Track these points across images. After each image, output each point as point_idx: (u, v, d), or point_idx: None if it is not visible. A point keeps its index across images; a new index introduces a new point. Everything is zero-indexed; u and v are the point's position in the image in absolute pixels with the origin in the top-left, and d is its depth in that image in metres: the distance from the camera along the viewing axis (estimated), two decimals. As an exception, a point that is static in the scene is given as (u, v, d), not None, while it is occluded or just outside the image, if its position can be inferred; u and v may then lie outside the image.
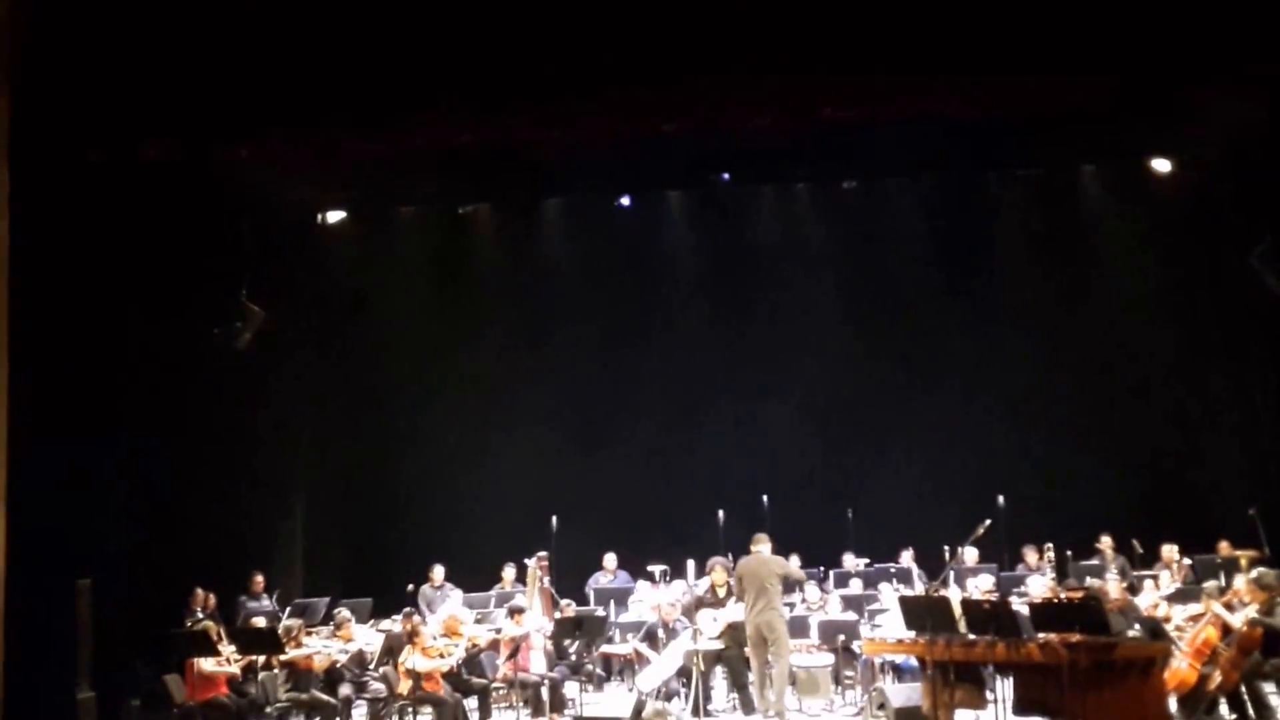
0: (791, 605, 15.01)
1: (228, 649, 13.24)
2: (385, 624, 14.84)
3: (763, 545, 13.32)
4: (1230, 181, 16.42)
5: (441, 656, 13.14)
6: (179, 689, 13.21)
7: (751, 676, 13.12)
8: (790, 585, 13.53)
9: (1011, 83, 14.12)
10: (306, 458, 18.56)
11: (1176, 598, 13.44)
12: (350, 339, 19.23)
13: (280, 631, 13.50)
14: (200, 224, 15.72)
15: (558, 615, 14.92)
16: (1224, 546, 15.11)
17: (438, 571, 16.57)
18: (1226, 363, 17.47)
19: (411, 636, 13.09)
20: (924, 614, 11.66)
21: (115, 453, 14.58)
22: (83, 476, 13.84)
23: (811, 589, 15.19)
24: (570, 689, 13.91)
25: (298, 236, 18.17)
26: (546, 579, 15.47)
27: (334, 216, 18.53)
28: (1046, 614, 11.47)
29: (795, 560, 16.52)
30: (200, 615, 15.08)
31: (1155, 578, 14.37)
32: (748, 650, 13.10)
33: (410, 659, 12.87)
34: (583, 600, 16.04)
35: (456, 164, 16.21)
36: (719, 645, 13.37)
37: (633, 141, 15.57)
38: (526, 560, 15.70)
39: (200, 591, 15.47)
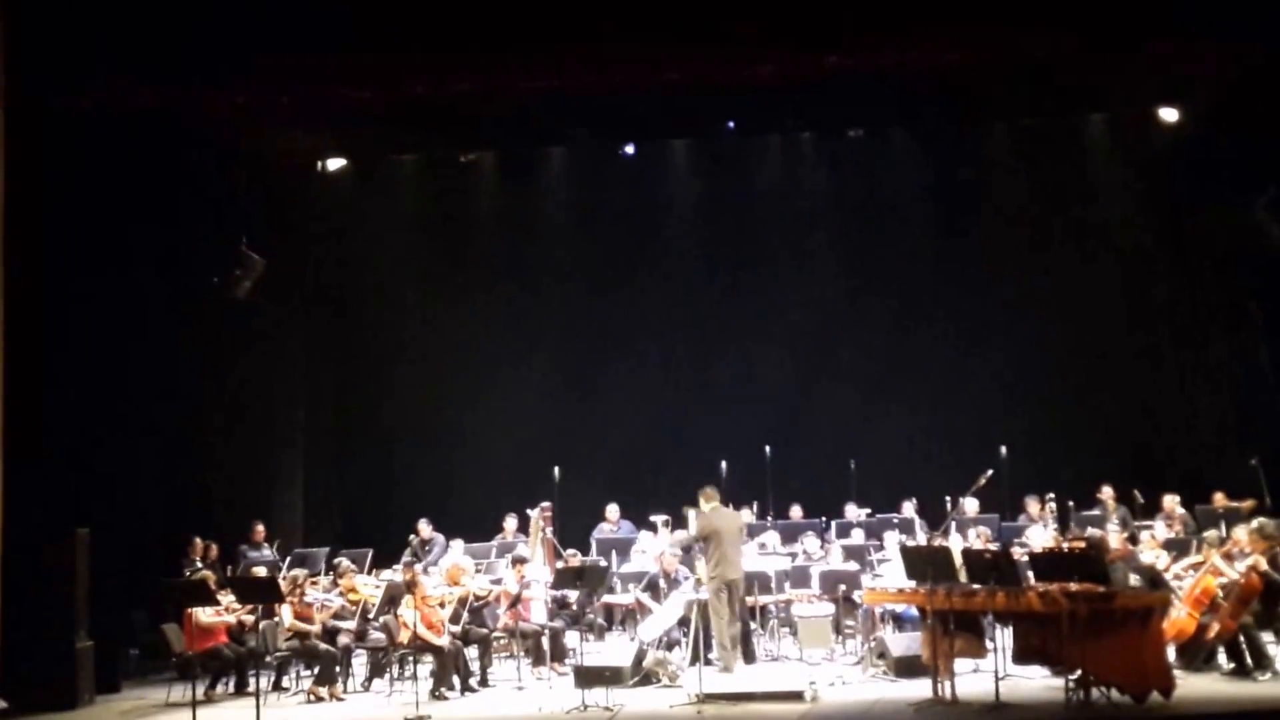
0: (793, 555, 15.03)
1: (227, 598, 13.24)
2: (386, 573, 14.82)
3: (716, 500, 13.40)
4: (1234, 132, 16.25)
5: (442, 605, 13.12)
6: (177, 638, 13.24)
7: (716, 626, 13.01)
8: None
9: (1016, 31, 14.03)
10: (306, 407, 18.53)
11: (1170, 548, 13.41)
12: (350, 287, 19.17)
13: (285, 582, 13.48)
14: (200, 172, 15.64)
15: (560, 565, 14.90)
16: (1219, 497, 15.08)
17: (424, 526, 16.53)
18: (1228, 313, 17.37)
19: (410, 587, 13.06)
20: (925, 563, 11.65)
21: (114, 402, 14.56)
22: (81, 426, 13.86)
23: (812, 539, 15.18)
24: (571, 638, 13.93)
25: (297, 184, 18.04)
26: (549, 529, 15.45)
27: (334, 164, 18.41)
28: (1046, 564, 11.45)
29: (797, 511, 16.61)
30: (199, 565, 15.09)
31: (1150, 528, 14.33)
32: (714, 600, 12.95)
33: (407, 613, 12.85)
34: (587, 550, 16.01)
35: (458, 111, 16.08)
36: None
37: (637, 90, 15.44)
38: (528, 510, 15.68)
39: (199, 541, 15.46)
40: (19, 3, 13.24)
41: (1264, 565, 11.72)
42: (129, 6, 13.47)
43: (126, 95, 14.13)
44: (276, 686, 13.49)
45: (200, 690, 12.70)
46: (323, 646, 13.15)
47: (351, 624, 13.44)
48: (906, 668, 12.38)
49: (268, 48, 13.74)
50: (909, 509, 16.15)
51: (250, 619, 13.11)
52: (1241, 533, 12.29)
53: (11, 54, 13.23)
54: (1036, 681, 11.82)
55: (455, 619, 13.16)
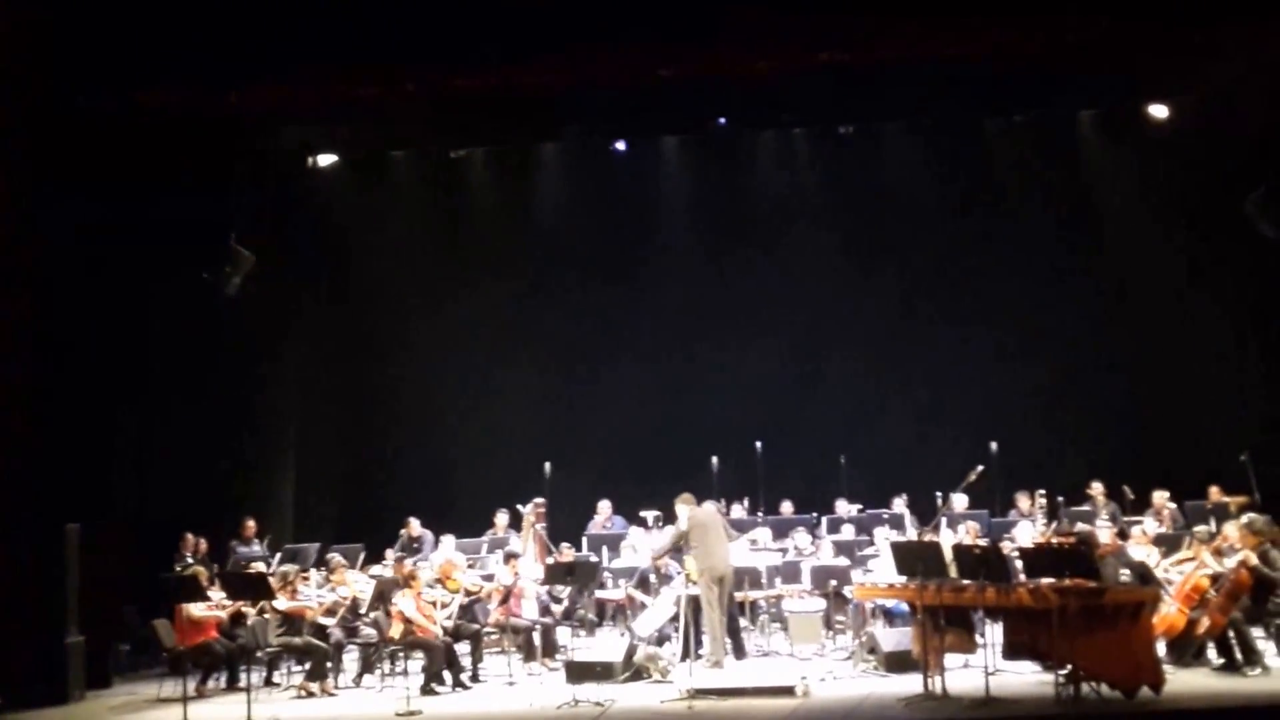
0: (784, 551, 15.05)
1: (218, 594, 13.24)
2: (376, 569, 14.82)
3: (694, 502, 13.58)
4: (1226, 128, 16.28)
5: (444, 606, 13.13)
6: (168, 634, 13.23)
7: (709, 619, 13.07)
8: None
9: (1011, 25, 14.04)
10: (298, 402, 18.51)
11: (1160, 543, 13.45)
12: (342, 283, 19.14)
13: (276, 577, 13.48)
14: (191, 167, 15.62)
15: (550, 561, 14.90)
16: (1215, 491, 15.13)
17: (414, 523, 16.47)
18: (1220, 309, 17.40)
19: (409, 581, 13.08)
20: (915, 559, 11.67)
21: (105, 397, 14.54)
22: (72, 421, 13.84)
23: (803, 535, 15.22)
24: (562, 634, 13.92)
25: (289, 180, 18.01)
26: (540, 525, 15.45)
27: (325, 160, 18.39)
28: (1037, 559, 11.47)
29: (788, 506, 16.62)
30: (190, 560, 15.05)
31: (1140, 523, 14.35)
32: (707, 594, 13.03)
33: (403, 601, 12.86)
34: (579, 546, 16.01)
35: (450, 108, 16.07)
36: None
37: (630, 86, 15.44)
38: (519, 506, 15.69)
39: (190, 536, 15.41)
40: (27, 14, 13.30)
41: (1254, 560, 11.75)
42: (130, 13, 13.47)
43: (131, 97, 14.14)
44: (268, 682, 13.54)
45: (191, 686, 12.67)
46: (314, 642, 13.16)
47: (333, 621, 13.47)
48: (897, 663, 12.40)
49: (268, 50, 13.74)
50: (900, 504, 16.17)
51: (252, 611, 13.14)
52: (1231, 528, 12.32)
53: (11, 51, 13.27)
54: (1026, 677, 11.86)
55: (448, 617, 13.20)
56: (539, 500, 15.64)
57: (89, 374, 14.19)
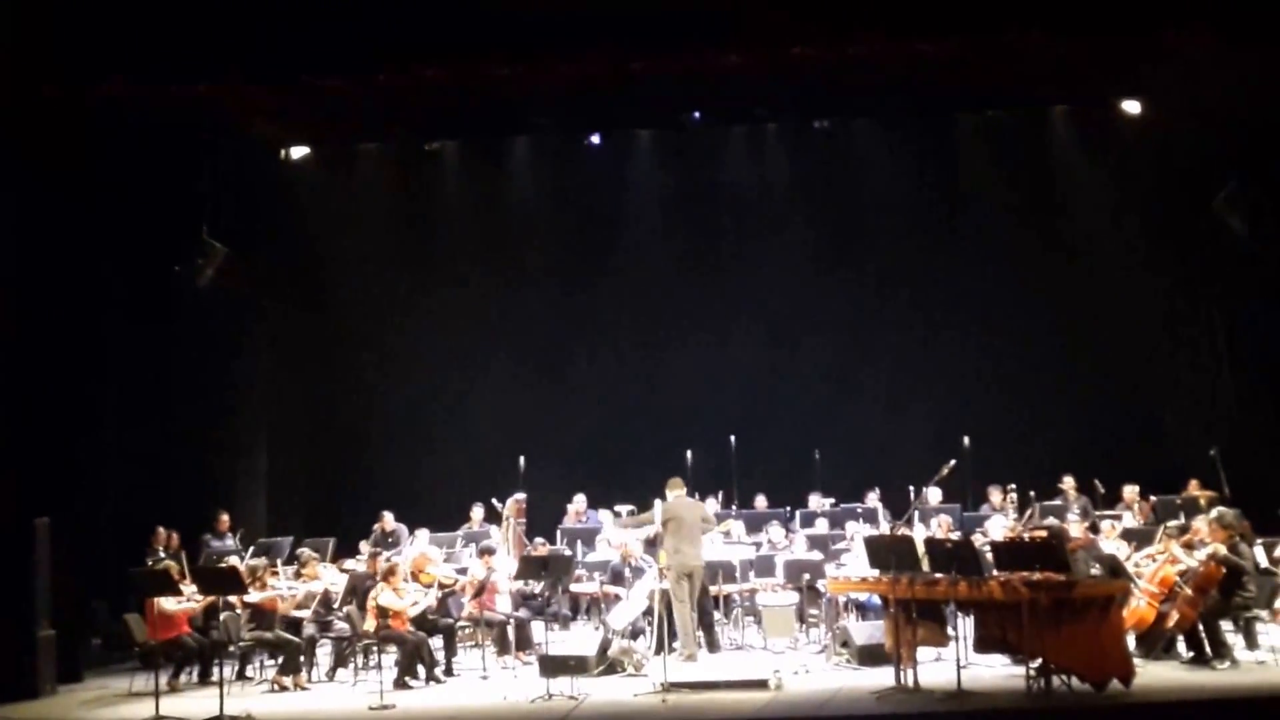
0: (758, 545, 15.08)
1: (189, 589, 13.19)
2: (349, 563, 14.79)
3: (681, 489, 13.66)
4: (1197, 125, 16.35)
5: (415, 605, 13.12)
6: (140, 628, 13.17)
7: (678, 614, 13.09)
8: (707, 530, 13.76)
9: (983, 27, 14.09)
10: (270, 395, 18.43)
11: (1133, 537, 13.52)
12: (314, 276, 19.04)
13: (245, 571, 13.42)
14: (161, 160, 15.53)
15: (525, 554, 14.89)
16: (1193, 485, 15.23)
17: (387, 517, 16.41)
18: (1190, 305, 17.53)
19: (387, 576, 13.04)
20: (888, 553, 11.72)
21: (76, 391, 14.46)
22: (42, 415, 13.76)
23: (777, 529, 15.24)
24: (536, 628, 13.91)
25: (260, 172, 17.88)
26: (520, 521, 15.42)
27: (297, 152, 18.28)
28: (1008, 553, 11.53)
29: (762, 500, 16.66)
30: (162, 554, 14.98)
31: (1118, 517, 14.44)
32: (675, 589, 13.06)
33: (383, 594, 12.84)
34: (554, 540, 16.00)
35: (422, 100, 16.01)
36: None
37: (602, 80, 15.41)
38: (494, 500, 15.66)
39: (162, 530, 15.35)
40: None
41: (1223, 552, 11.82)
42: (99, 4, 13.39)
43: (98, 88, 14.05)
44: (240, 676, 13.47)
45: (163, 680, 12.60)
46: (286, 636, 13.12)
47: (308, 613, 13.44)
48: (870, 656, 12.45)
49: (239, 42, 13.67)
50: (873, 499, 16.22)
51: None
52: (1201, 523, 12.39)
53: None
54: (998, 670, 11.92)
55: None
56: (519, 496, 15.61)
57: (60, 368, 14.11)
